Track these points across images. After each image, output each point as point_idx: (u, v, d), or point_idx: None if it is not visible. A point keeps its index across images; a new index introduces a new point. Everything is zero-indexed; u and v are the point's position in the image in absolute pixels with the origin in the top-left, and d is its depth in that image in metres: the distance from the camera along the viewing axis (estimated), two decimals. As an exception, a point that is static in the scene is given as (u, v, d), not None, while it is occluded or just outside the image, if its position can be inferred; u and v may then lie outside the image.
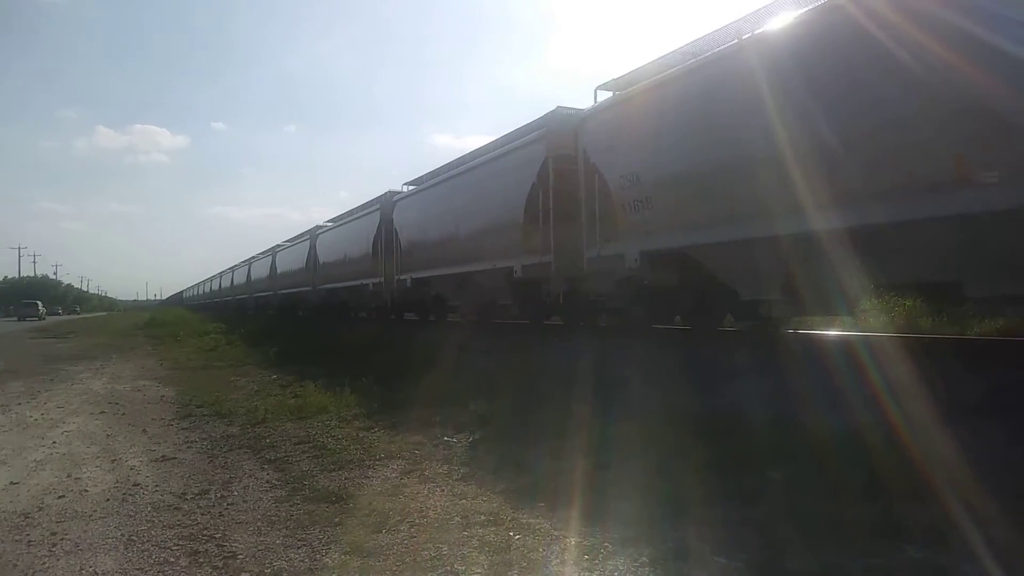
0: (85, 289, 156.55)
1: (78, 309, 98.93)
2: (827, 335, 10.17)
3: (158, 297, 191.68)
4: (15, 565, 4.04)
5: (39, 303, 73.61)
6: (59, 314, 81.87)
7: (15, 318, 64.35)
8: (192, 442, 7.41)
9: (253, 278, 47.56)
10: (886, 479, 4.09)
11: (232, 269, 60.69)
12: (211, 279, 75.48)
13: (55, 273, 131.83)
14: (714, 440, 5.39)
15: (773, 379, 6.60)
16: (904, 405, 5.05)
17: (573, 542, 3.94)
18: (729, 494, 4.39)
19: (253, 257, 49.99)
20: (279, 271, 38.94)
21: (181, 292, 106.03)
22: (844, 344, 8.37)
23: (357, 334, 18.21)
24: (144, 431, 8.06)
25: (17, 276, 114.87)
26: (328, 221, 31.19)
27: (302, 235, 35.31)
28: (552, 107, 12.86)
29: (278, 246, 41.10)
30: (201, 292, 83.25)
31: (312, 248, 31.19)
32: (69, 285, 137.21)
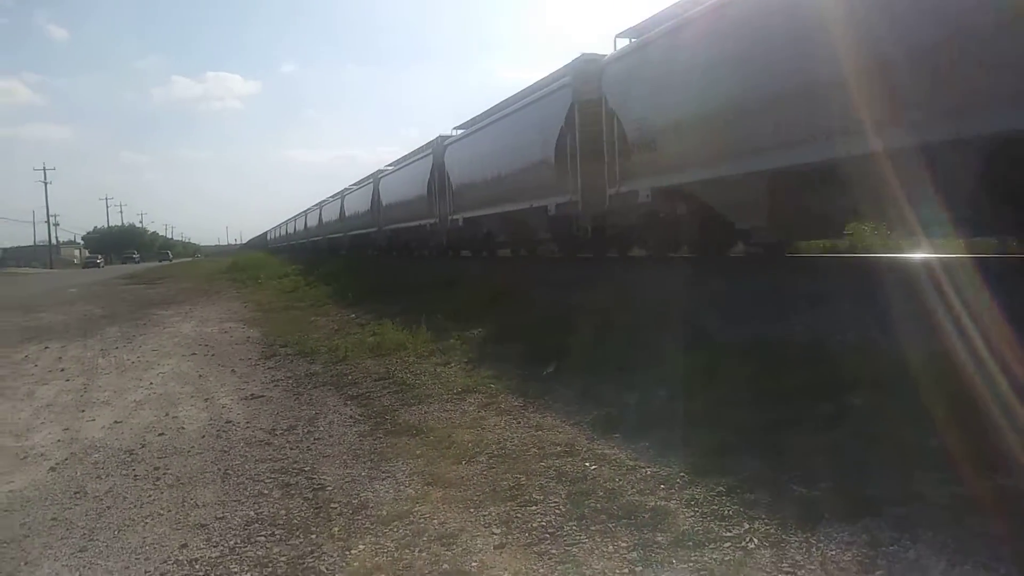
0: (170, 236, 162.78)
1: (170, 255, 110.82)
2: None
3: (238, 241, 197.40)
4: (125, 497, 4.34)
5: (168, 252, 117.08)
6: (170, 259, 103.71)
7: (157, 261, 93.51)
8: (278, 380, 7.73)
9: (325, 220, 48.79)
10: (971, 406, 3.97)
11: (306, 212, 61.95)
12: (289, 221, 77.04)
13: (141, 222, 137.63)
14: (790, 367, 5.31)
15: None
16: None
17: (649, 472, 3.99)
18: (806, 422, 4.34)
19: (324, 201, 51.13)
20: (347, 213, 40.28)
21: (265, 234, 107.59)
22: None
23: (425, 272, 18.50)
24: (233, 371, 8.44)
25: (106, 226, 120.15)
26: (388, 165, 32.34)
27: (366, 179, 36.04)
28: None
29: (346, 189, 42.02)
30: (280, 235, 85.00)
31: (375, 191, 32.10)
32: (155, 233, 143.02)
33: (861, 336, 5.56)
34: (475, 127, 21.02)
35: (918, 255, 9.86)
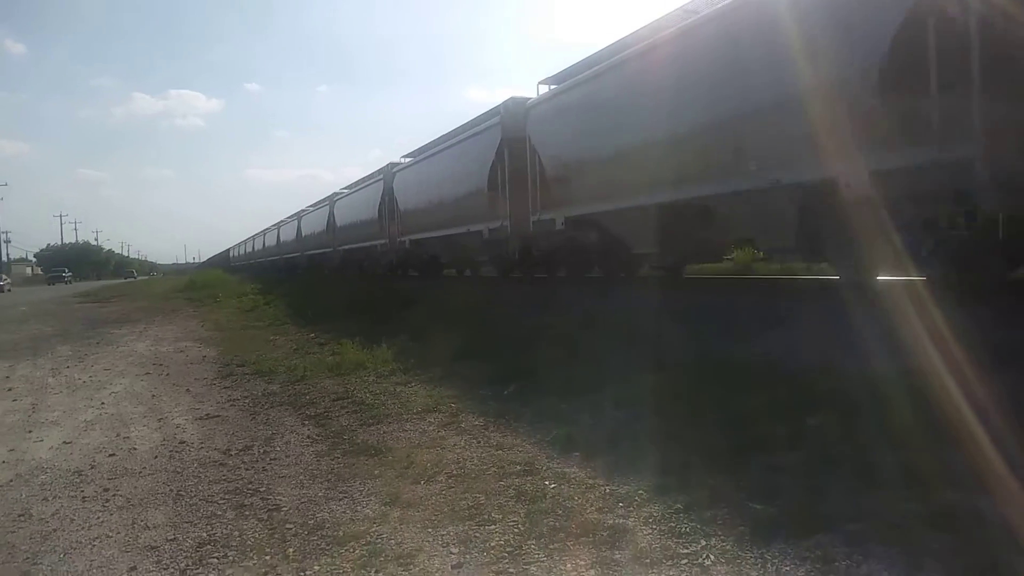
0: (126, 254, 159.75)
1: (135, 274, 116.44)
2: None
3: (197, 260, 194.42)
4: (72, 520, 4.21)
5: (134, 270, 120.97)
6: (135, 277, 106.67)
7: (122, 279, 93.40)
8: (234, 400, 7.59)
9: (283, 240, 48.64)
10: (924, 426, 4.06)
11: (264, 232, 61.26)
12: (248, 240, 76.04)
13: (96, 239, 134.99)
14: (750, 388, 5.37)
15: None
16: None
17: (608, 490, 3.99)
18: (764, 442, 4.39)
19: (282, 221, 51.15)
20: (304, 233, 40.71)
21: (228, 251, 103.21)
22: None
23: (384, 292, 18.38)
24: (188, 390, 8.28)
25: (60, 243, 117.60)
26: (344, 188, 33.74)
27: (322, 200, 36.56)
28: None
29: (303, 211, 42.58)
30: (240, 253, 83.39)
31: (331, 213, 32.85)
32: (110, 251, 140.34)
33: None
34: (420, 157, 22.27)
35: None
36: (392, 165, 25.91)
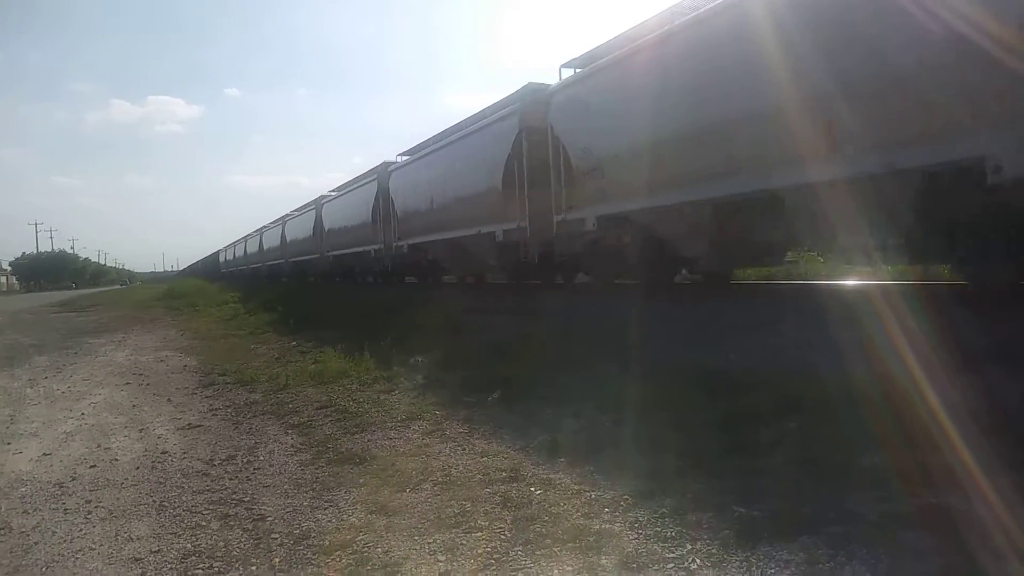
0: (102, 262, 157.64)
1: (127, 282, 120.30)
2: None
3: (175, 268, 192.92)
4: (54, 532, 4.17)
5: (127, 279, 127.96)
6: (128, 284, 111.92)
7: (118, 286, 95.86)
8: (216, 409, 7.54)
9: (266, 247, 48.22)
10: (900, 428, 4.12)
11: (245, 239, 60.26)
12: (229, 247, 74.58)
13: (72, 247, 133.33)
14: (730, 394, 5.43)
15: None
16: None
17: (594, 496, 4.01)
18: (747, 446, 4.43)
19: (264, 227, 50.55)
20: (288, 239, 41.35)
21: (217, 254, 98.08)
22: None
23: (367, 299, 18.40)
24: (169, 400, 8.21)
25: (35, 252, 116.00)
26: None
27: (308, 204, 37.82)
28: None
29: (287, 215, 44.38)
30: (228, 258, 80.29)
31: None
32: (87, 259, 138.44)
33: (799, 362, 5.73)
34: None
35: (853, 281, 10.42)
36: (322, 197, 34.32)
